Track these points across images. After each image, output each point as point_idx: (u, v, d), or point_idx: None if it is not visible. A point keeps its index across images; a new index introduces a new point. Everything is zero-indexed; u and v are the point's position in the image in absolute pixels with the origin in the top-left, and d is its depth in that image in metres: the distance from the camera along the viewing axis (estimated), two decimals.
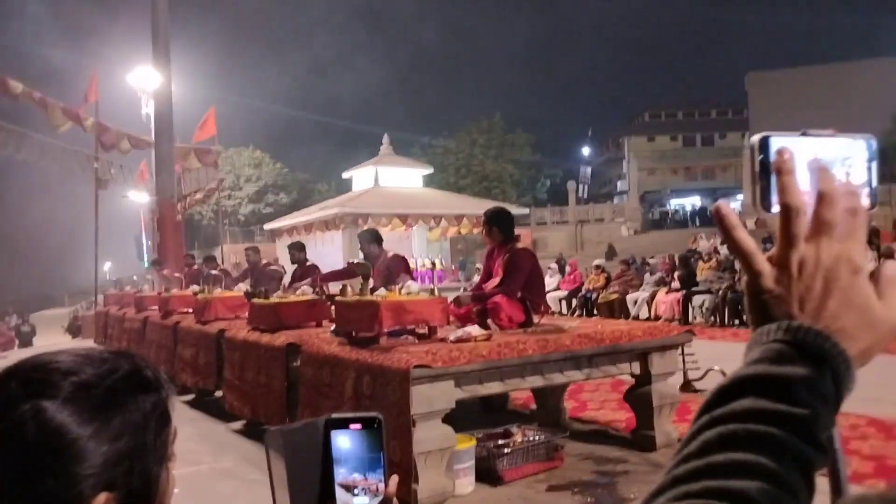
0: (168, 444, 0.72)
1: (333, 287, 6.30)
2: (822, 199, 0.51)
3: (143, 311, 9.68)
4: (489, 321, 4.55)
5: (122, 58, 20.52)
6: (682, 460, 0.47)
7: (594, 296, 13.49)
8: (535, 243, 27.65)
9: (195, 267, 10.64)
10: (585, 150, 46.68)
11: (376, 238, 5.91)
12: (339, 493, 0.77)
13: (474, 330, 4.12)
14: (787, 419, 0.46)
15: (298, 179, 44.39)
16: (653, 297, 12.45)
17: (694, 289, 11.99)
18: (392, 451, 3.60)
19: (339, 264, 9.66)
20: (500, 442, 4.11)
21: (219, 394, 6.52)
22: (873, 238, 16.19)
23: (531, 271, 4.73)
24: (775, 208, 0.53)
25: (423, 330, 4.38)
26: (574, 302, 14.25)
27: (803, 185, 0.52)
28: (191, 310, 7.72)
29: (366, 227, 7.09)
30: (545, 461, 4.18)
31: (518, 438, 4.18)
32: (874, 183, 0.56)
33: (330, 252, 21.46)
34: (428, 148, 42.54)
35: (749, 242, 0.53)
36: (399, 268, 5.52)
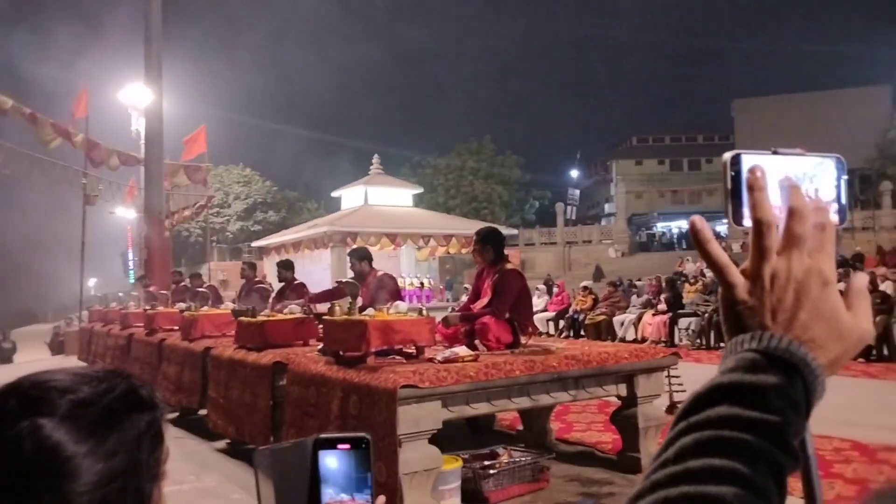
0: (161, 463, 0.73)
1: (321, 306, 6.29)
2: (792, 214, 0.53)
3: (128, 327, 9.60)
4: (476, 342, 4.55)
5: (114, 75, 20.52)
6: (661, 465, 0.49)
7: (581, 317, 13.52)
8: (523, 264, 27.71)
9: (182, 284, 10.58)
10: (574, 173, 46.94)
11: (367, 256, 5.92)
12: None
13: (462, 350, 4.12)
14: (760, 426, 0.48)
15: (287, 197, 44.33)
16: (639, 318, 12.51)
17: (680, 311, 12.06)
18: (378, 471, 3.59)
19: (327, 282, 9.65)
20: (486, 463, 4.11)
21: (203, 412, 6.46)
22: (857, 263, 16.35)
23: (520, 292, 4.75)
24: (747, 222, 0.55)
25: (411, 350, 4.38)
26: (561, 323, 14.28)
27: (774, 201, 0.54)
28: (176, 327, 7.68)
29: (355, 246, 7.07)
30: (531, 482, 4.17)
31: (504, 459, 4.18)
32: (843, 200, 0.59)
33: (318, 270, 21.40)
34: (418, 167, 42.71)
35: (722, 255, 0.55)
36: (388, 287, 5.51)
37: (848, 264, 17.24)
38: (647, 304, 12.92)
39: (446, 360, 3.97)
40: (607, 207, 49.30)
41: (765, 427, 0.48)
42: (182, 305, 7.98)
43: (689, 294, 13.28)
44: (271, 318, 5.75)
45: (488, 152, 42.36)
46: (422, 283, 7.85)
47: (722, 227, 39.41)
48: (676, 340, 11.70)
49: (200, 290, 9.11)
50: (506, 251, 5.14)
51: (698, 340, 11.49)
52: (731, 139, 45.22)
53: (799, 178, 0.56)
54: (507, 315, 4.63)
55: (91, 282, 42.04)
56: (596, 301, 13.77)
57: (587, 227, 38.58)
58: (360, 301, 5.44)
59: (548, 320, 14.47)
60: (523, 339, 4.74)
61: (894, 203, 28.70)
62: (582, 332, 13.39)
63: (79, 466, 0.64)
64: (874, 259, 16.80)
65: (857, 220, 26.17)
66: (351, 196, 27.27)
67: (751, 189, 0.54)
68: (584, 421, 6.04)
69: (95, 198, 17.52)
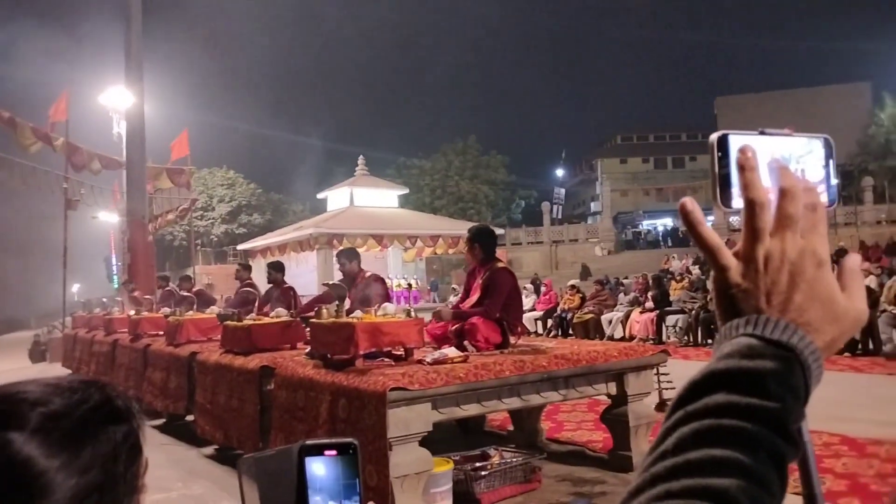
0: (139, 476, 0.70)
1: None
2: (784, 194, 0.52)
3: (112, 333, 9.48)
4: (465, 342, 4.53)
5: (95, 78, 20.32)
6: (660, 457, 0.47)
7: (569, 316, 13.54)
8: (510, 263, 27.61)
9: (167, 288, 10.46)
10: (559, 172, 47.17)
11: (356, 256, 5.88)
12: None
13: (451, 352, 4.10)
14: (759, 413, 0.46)
15: (272, 200, 44.12)
16: (627, 316, 12.54)
17: (667, 308, 12.10)
18: (368, 475, 3.55)
19: (313, 284, 9.58)
20: (478, 464, 4.08)
21: (190, 418, 6.39)
22: (840, 258, 16.53)
23: (511, 291, 4.73)
24: (736, 204, 0.54)
25: (400, 352, 4.34)
26: (549, 322, 14.29)
27: (764, 183, 0.53)
28: (161, 332, 7.59)
29: (342, 247, 7.02)
30: (523, 483, 4.15)
31: (495, 461, 4.15)
32: (832, 181, 0.58)
33: (304, 273, 21.31)
34: (403, 168, 42.68)
35: (714, 238, 0.54)
36: (377, 289, 5.47)
37: (831, 259, 17.48)
38: (635, 302, 12.96)
39: (435, 362, 3.93)
40: (593, 206, 49.49)
41: (764, 414, 0.46)
42: (167, 310, 7.89)
43: (675, 291, 13.33)
44: (258, 322, 5.69)
45: (474, 152, 42.41)
46: (409, 285, 7.75)
47: (707, 221, 39.75)
48: (664, 338, 11.74)
49: (186, 294, 9.02)
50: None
51: (686, 337, 11.53)
52: None
53: (786, 159, 0.55)
54: (497, 314, 4.60)
55: (75, 287, 41.58)
56: (583, 300, 13.79)
57: (573, 226, 38.72)
58: (347, 302, 5.40)
59: (536, 320, 14.47)
60: (512, 339, 4.72)
61: (876, 198, 29.07)
62: (570, 331, 13.41)
63: (51, 482, 0.61)
64: (857, 254, 16.96)
65: (840, 215, 26.45)
66: (336, 197, 27.21)
67: (742, 169, 0.53)
68: (574, 420, 6.03)
69: (77, 202, 17.32)
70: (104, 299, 13.43)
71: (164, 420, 7.05)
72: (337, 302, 4.80)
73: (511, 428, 5.58)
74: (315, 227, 23.16)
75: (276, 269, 7.45)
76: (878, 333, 9.39)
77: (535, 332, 13.99)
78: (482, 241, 4.84)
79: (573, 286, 14.57)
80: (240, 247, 30.54)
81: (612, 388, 4.48)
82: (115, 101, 17.06)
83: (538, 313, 14.69)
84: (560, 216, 39.60)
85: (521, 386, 4.02)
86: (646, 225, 44.66)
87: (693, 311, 11.54)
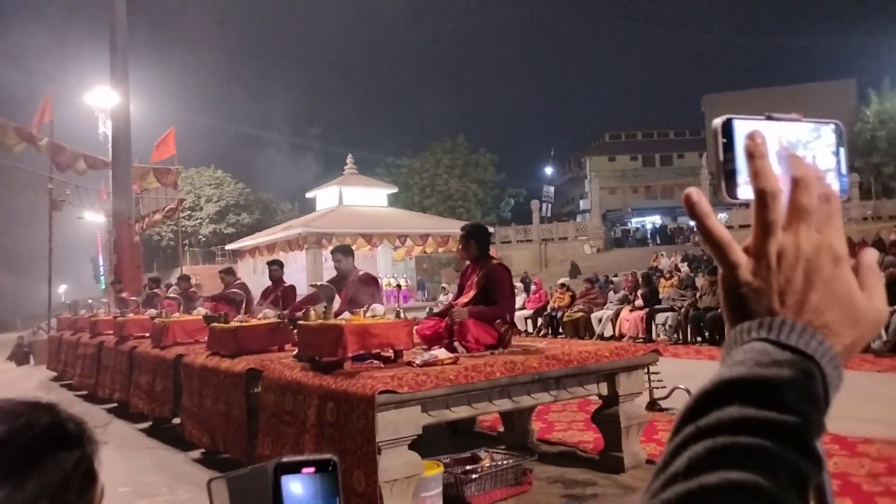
0: None
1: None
2: (797, 184, 0.48)
3: (97, 335, 9.37)
4: (455, 343, 4.47)
5: (79, 78, 20.13)
6: (670, 480, 0.42)
7: (559, 314, 13.51)
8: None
9: (154, 290, 10.32)
10: (548, 170, 47.28)
11: (351, 253, 5.87)
12: None
13: (441, 353, 4.04)
14: (778, 428, 0.41)
15: (261, 199, 43.86)
16: (617, 315, 12.53)
17: (657, 306, 12.10)
18: (356, 480, 3.50)
19: (302, 284, 9.50)
20: (468, 467, 4.03)
21: (176, 421, 6.31)
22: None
23: (511, 288, 4.75)
24: (742, 194, 0.50)
25: (389, 354, 4.29)
26: (539, 321, 14.27)
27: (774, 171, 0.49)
28: (147, 334, 7.50)
29: (333, 245, 6.95)
30: (514, 486, 4.11)
31: (486, 463, 4.10)
32: (844, 170, 0.54)
33: (293, 272, 21.16)
34: (392, 167, 42.58)
35: (723, 231, 0.49)
36: (369, 287, 5.43)
37: None
38: (624, 300, 12.95)
39: (425, 364, 3.88)
40: (582, 204, 49.58)
41: (784, 429, 0.41)
42: (153, 312, 7.79)
43: (665, 289, 13.34)
44: (244, 324, 5.61)
45: (462, 151, 42.38)
46: (399, 284, 7.68)
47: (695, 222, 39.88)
48: (654, 336, 11.74)
49: (171, 296, 8.91)
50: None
51: (675, 335, 11.54)
52: (702, 134, 45.81)
53: (793, 146, 0.52)
54: (511, 314, 4.62)
55: (61, 288, 41.26)
56: (573, 298, 13.77)
57: (562, 224, 38.75)
58: (338, 301, 5.35)
59: (526, 318, 14.44)
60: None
61: (862, 195, 29.27)
62: (560, 330, 13.39)
63: None
64: (873, 249, 17.07)
65: None
66: (325, 197, 27.09)
67: (751, 156, 0.49)
68: (564, 420, 5.99)
69: (63, 203, 17.13)
70: (90, 301, 13.27)
71: (150, 423, 6.96)
72: (325, 303, 4.74)
73: (501, 429, 5.54)
74: (304, 227, 23.05)
75: (280, 266, 7.38)
76: None
77: (525, 331, 13.96)
78: (478, 238, 4.80)
79: (563, 284, 14.54)
80: (228, 247, 30.35)
81: (604, 388, 4.44)
82: (101, 100, 16.89)
83: (528, 312, 14.66)
84: (549, 214, 39.65)
85: (511, 387, 3.98)
86: (634, 223, 44.79)
87: (682, 309, 11.55)
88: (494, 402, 3.98)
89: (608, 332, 12.46)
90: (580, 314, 13.03)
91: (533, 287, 16.14)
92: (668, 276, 15.63)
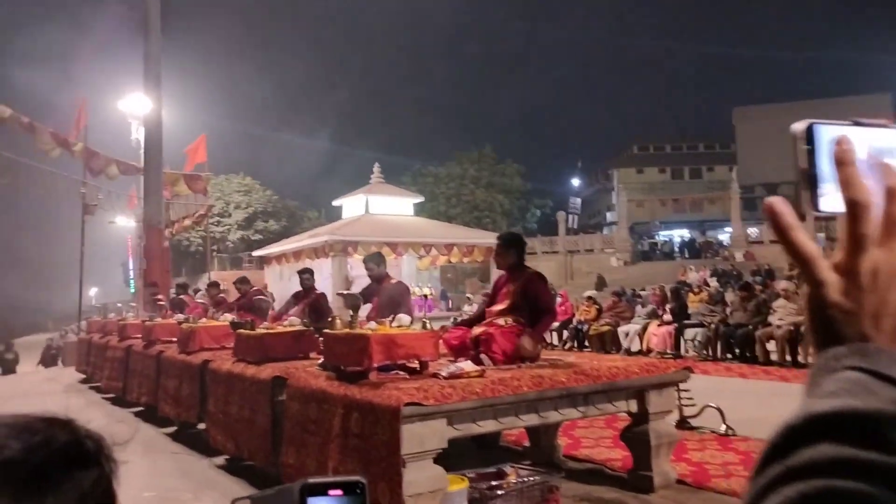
0: None
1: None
2: (892, 195, 0.43)
3: (126, 339, 9.47)
4: (482, 354, 4.41)
5: (113, 85, 20.51)
6: None
7: (585, 328, 13.36)
8: None
9: (179, 297, 10.41)
10: (575, 181, 46.99)
11: (383, 261, 5.97)
12: None
13: (467, 366, 3.99)
14: (880, 471, 0.36)
15: (288, 206, 44.26)
16: (644, 329, 12.35)
17: (686, 322, 11.90)
18: (381, 493, 3.45)
19: (327, 292, 9.51)
20: (493, 483, 3.95)
21: (202, 426, 6.32)
22: None
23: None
24: (826, 206, 0.46)
25: (414, 364, 4.24)
26: (565, 334, 14.12)
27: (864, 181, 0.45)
28: (175, 339, 7.55)
29: (361, 254, 6.99)
30: (540, 503, 4.02)
31: (512, 479, 4.02)
32: None
33: (319, 280, 21.26)
34: (418, 176, 42.69)
35: (810, 246, 0.45)
36: (402, 296, 5.45)
37: None
38: (652, 315, 12.76)
39: (451, 376, 3.83)
40: (609, 216, 49.25)
41: (888, 472, 0.36)
42: (180, 317, 7.85)
43: (693, 304, 13.13)
44: (270, 331, 5.61)
45: (489, 161, 42.36)
46: (425, 294, 7.67)
47: (724, 236, 39.45)
48: (682, 351, 11.55)
49: (200, 302, 8.96)
50: None
51: (705, 351, 11.33)
52: (732, 147, 45.23)
53: (881, 153, 0.47)
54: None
55: (92, 291, 41.94)
56: (600, 311, 13.61)
57: (589, 236, 38.50)
58: (367, 308, 5.38)
59: (551, 331, 14.30)
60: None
61: None
62: (586, 343, 13.23)
63: None
64: None
65: None
66: (352, 205, 27.22)
67: (840, 164, 0.45)
68: (592, 436, 5.89)
69: (95, 207, 17.44)
70: (119, 304, 13.45)
71: (176, 428, 6.99)
72: (351, 312, 4.71)
73: (527, 443, 5.46)
74: (330, 235, 23.15)
75: (311, 275, 7.44)
76: None
77: (551, 344, 13.83)
78: (518, 247, 4.79)
79: (590, 297, 14.39)
80: (255, 253, 30.60)
81: (633, 405, 4.35)
82: (134, 107, 17.19)
83: (554, 324, 14.52)
84: (575, 226, 39.40)
85: (539, 402, 3.90)
86: (662, 236, 44.31)
87: (713, 325, 11.34)
88: (521, 417, 3.91)
89: (635, 347, 12.28)
90: (607, 328, 12.86)
91: (559, 299, 15.99)
92: (696, 290, 15.40)
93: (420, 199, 29.78)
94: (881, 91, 43.43)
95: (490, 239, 25.78)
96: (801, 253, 0.45)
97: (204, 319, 7.42)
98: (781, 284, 12.06)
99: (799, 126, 0.48)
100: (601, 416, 4.93)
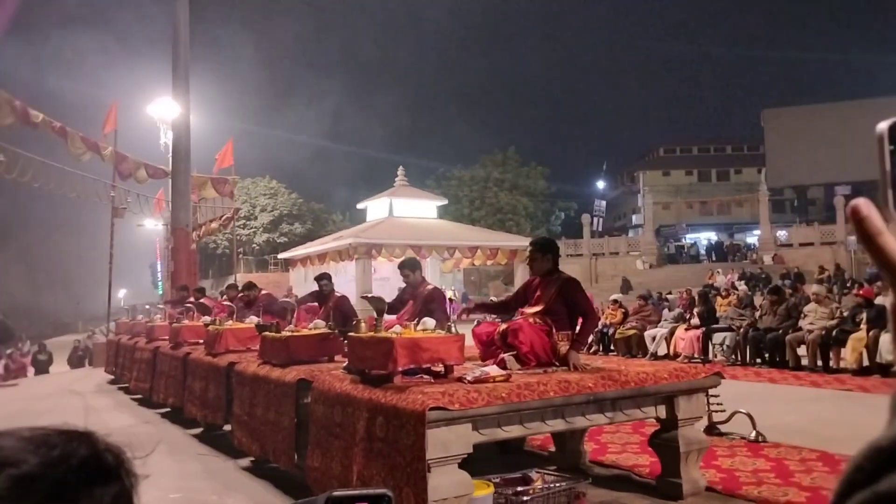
0: None
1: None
2: None
3: (153, 340, 9.58)
4: (505, 355, 4.39)
5: (143, 89, 20.82)
6: None
7: (611, 331, 13.23)
8: None
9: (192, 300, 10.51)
10: (600, 184, 46.65)
11: (419, 266, 6.02)
12: None
13: (492, 370, 3.95)
14: None
15: (313, 209, 44.59)
16: (671, 333, 12.18)
17: (714, 326, 11.72)
18: (405, 497, 3.42)
19: (351, 294, 9.53)
20: (519, 489, 3.91)
21: (227, 428, 6.36)
22: None
23: None
24: None
25: (439, 368, 4.21)
26: (591, 337, 14.00)
27: None
28: (202, 341, 7.62)
29: (400, 259, 7.00)
30: None
31: (538, 485, 3.98)
32: None
33: (343, 282, 21.36)
34: (442, 179, 42.71)
35: None
36: (439, 301, 5.46)
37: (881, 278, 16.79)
38: (679, 319, 12.58)
39: (476, 381, 3.79)
40: (634, 219, 48.79)
41: None
42: (206, 319, 7.92)
43: (721, 307, 12.93)
44: (295, 334, 5.62)
45: (513, 163, 42.22)
46: (450, 298, 7.60)
47: (752, 239, 38.87)
48: (711, 356, 11.37)
49: (227, 303, 9.02)
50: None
51: (733, 356, 11.14)
52: (761, 149, 44.53)
53: None
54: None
55: (121, 293, 42.64)
56: (626, 315, 13.46)
57: (614, 239, 38.18)
58: (402, 311, 5.43)
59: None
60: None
61: None
62: (612, 347, 13.10)
63: None
64: None
65: None
66: (376, 208, 27.34)
67: None
68: (618, 442, 5.80)
69: (124, 210, 17.70)
70: (147, 306, 13.62)
71: (202, 429, 7.04)
72: (376, 315, 4.70)
73: (552, 448, 5.40)
74: (354, 237, 23.25)
75: (329, 280, 7.40)
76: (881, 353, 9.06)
77: None
78: (554, 253, 4.77)
79: (616, 301, 14.25)
80: (280, 256, 30.88)
81: (662, 411, 4.27)
82: (163, 111, 17.43)
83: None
84: (601, 229, 39.11)
85: (565, 408, 3.85)
86: (689, 238, 43.80)
87: (741, 329, 11.15)
88: (547, 423, 3.85)
89: (662, 351, 12.11)
90: (633, 331, 12.72)
91: None
92: (724, 293, 15.17)
93: (444, 201, 29.80)
94: None
95: (514, 242, 25.73)
96: (888, 259, 0.42)
97: (230, 322, 7.47)
98: (812, 288, 11.84)
99: (883, 125, 0.45)
100: (628, 421, 4.86)
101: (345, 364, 4.71)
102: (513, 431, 3.77)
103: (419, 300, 5.56)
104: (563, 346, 4.46)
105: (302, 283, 23.20)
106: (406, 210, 26.20)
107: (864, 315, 9.62)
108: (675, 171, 51.97)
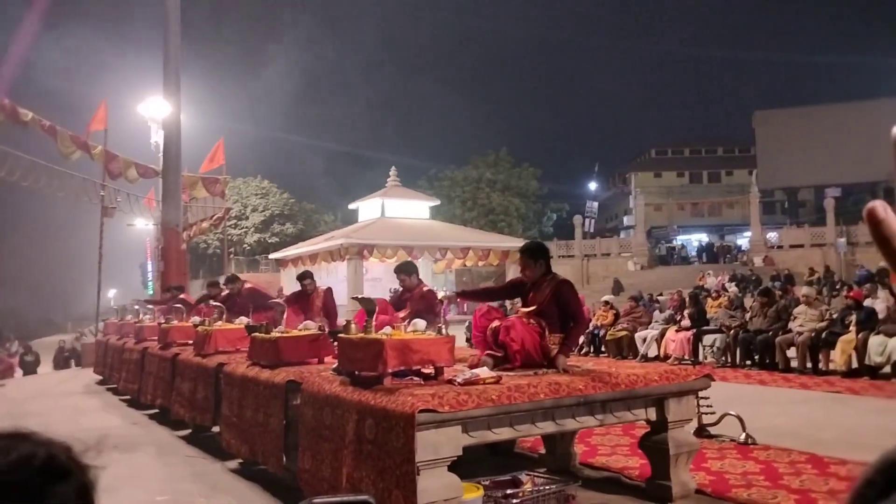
0: None
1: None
2: None
3: (142, 341, 9.52)
4: (492, 352, 4.38)
5: (133, 88, 20.70)
6: None
7: (602, 332, 13.24)
8: None
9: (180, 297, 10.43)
10: (592, 185, 46.73)
11: (415, 270, 6.06)
12: None
13: (483, 372, 3.93)
14: None
15: (305, 209, 44.45)
16: (662, 335, 12.20)
17: (704, 327, 11.74)
18: (394, 500, 3.40)
19: (343, 294, 9.52)
20: (509, 491, 3.90)
21: (216, 429, 6.32)
22: (884, 279, 15.91)
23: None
24: None
25: (429, 370, 4.19)
26: (581, 338, 14.01)
27: None
28: (191, 341, 7.56)
29: (371, 257, 6.99)
30: None
31: (527, 487, 3.97)
32: None
33: (334, 283, 21.31)
34: (434, 180, 42.70)
35: None
36: (431, 303, 5.46)
37: (873, 279, 16.85)
38: (670, 320, 12.61)
39: (466, 382, 3.77)
40: (626, 220, 48.93)
41: None
42: (196, 319, 7.86)
43: (712, 309, 12.96)
44: (285, 335, 5.59)
45: (505, 164, 42.25)
46: (441, 299, 7.58)
47: (742, 241, 39.05)
48: (701, 358, 11.39)
49: (215, 304, 8.96)
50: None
51: (724, 358, 11.18)
52: (752, 151, 44.76)
53: None
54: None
55: (111, 293, 42.38)
56: (617, 316, 13.48)
57: (606, 240, 38.28)
58: (406, 311, 5.43)
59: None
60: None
61: None
62: (602, 349, 13.11)
63: None
64: None
65: None
66: (368, 208, 27.28)
67: None
68: (608, 444, 5.80)
69: (114, 210, 17.60)
70: (136, 306, 13.53)
71: (190, 431, 6.99)
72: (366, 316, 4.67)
73: (542, 450, 5.38)
74: (346, 238, 23.19)
75: (311, 278, 7.40)
76: (869, 355, 9.12)
77: None
78: (544, 258, 4.75)
79: (607, 302, 14.27)
80: (272, 256, 30.76)
81: (652, 413, 4.26)
82: (153, 110, 17.34)
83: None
84: (592, 230, 39.19)
85: (555, 410, 3.83)
86: (680, 240, 43.97)
87: (732, 331, 11.18)
88: (537, 425, 3.84)
89: (653, 353, 12.13)
90: (624, 333, 12.73)
91: None
92: (714, 295, 15.21)
93: (436, 202, 29.78)
94: None
95: (505, 243, 25.74)
96: None
97: (219, 322, 7.42)
98: (802, 290, 11.89)
99: None
100: (619, 423, 4.86)
101: (334, 365, 4.69)
102: (503, 434, 3.75)
103: (416, 302, 5.58)
104: (555, 349, 4.44)
105: (293, 283, 23.13)
106: (398, 211, 26.16)
107: (853, 317, 9.67)
108: (666, 173, 52.16)
